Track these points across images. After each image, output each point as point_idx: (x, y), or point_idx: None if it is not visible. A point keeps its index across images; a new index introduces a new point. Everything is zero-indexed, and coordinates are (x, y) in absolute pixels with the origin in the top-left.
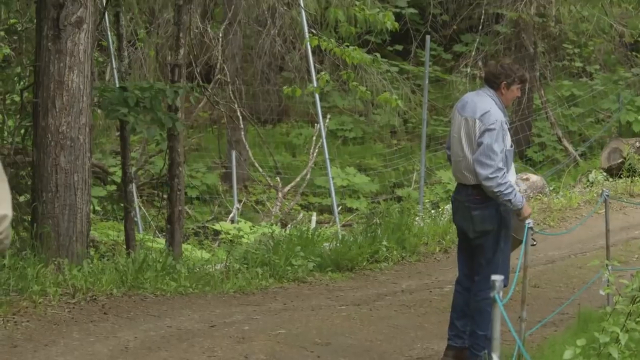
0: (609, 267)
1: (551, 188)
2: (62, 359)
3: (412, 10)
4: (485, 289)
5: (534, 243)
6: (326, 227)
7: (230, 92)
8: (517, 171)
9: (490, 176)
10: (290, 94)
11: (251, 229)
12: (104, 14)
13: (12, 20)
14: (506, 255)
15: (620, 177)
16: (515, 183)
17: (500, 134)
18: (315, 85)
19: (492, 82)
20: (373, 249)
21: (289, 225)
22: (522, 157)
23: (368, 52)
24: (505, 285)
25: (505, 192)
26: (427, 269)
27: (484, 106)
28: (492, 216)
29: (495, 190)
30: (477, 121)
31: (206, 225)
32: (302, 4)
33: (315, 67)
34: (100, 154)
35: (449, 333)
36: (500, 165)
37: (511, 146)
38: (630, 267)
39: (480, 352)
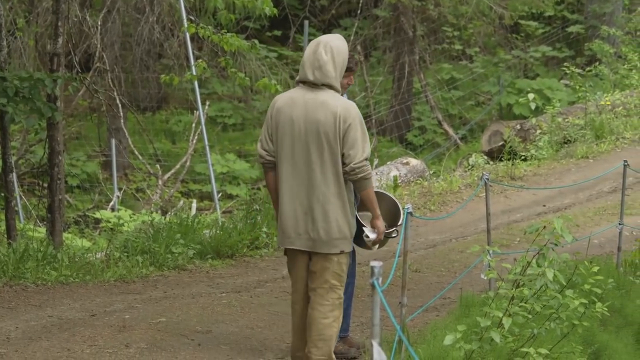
0: (490, 252)
1: (431, 172)
2: None
3: None
4: None
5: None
6: (206, 214)
7: (110, 80)
8: (398, 155)
9: None
10: (168, 82)
11: (131, 217)
12: None
13: None
14: None
15: (501, 160)
16: None
17: None
18: (193, 72)
19: None
20: (253, 235)
21: (169, 213)
22: (402, 141)
23: (247, 38)
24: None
25: None
26: None
27: None
28: None
29: None
30: None
31: (87, 213)
32: None
33: (193, 54)
34: None
35: None
36: None
37: None
38: (512, 250)
39: None
